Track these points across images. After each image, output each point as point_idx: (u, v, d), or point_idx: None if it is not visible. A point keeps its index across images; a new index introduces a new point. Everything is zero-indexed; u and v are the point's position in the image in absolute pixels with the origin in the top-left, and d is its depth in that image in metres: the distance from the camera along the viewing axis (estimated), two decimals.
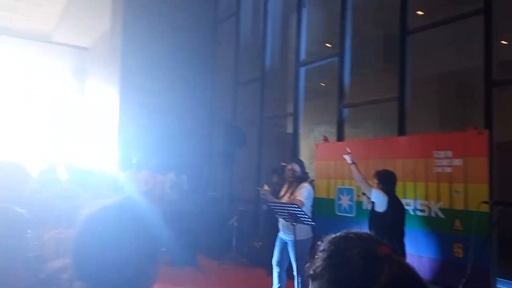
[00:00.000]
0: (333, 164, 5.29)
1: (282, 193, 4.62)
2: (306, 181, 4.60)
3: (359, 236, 0.82)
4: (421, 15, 6.34)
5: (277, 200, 4.36)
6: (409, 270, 0.79)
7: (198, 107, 8.64)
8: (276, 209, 4.14)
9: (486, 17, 4.48)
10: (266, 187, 4.44)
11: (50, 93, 9.64)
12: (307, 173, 5.19)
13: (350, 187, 5.04)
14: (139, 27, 8.28)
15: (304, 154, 8.16)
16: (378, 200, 3.88)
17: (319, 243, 0.85)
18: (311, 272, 0.81)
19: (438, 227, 4.00)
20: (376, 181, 3.88)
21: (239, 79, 8.53)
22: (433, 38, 6.73)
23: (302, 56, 7.00)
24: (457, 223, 3.85)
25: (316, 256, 0.83)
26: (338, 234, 0.84)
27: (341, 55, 6.16)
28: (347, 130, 6.62)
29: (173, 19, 8.59)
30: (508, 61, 5.64)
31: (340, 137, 5.98)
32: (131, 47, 8.19)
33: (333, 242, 0.82)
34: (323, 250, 0.82)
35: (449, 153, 4.04)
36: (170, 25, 8.53)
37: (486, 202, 3.22)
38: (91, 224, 1.07)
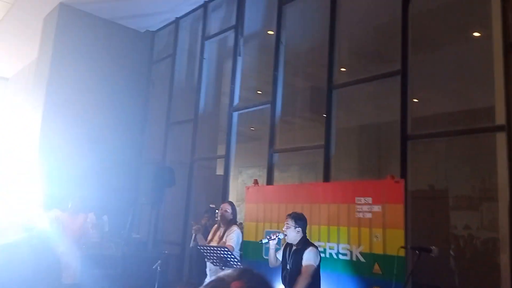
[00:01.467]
0: (262, 207, 5.37)
1: (210, 236, 4.58)
2: (235, 224, 4.62)
3: (219, 278, 0.92)
4: (344, 71, 6.89)
5: (206, 244, 4.32)
6: None
7: (127, 144, 8.38)
8: (205, 252, 4.09)
9: (402, 78, 5.00)
10: (196, 226, 4.39)
11: None
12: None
13: (278, 230, 5.14)
14: (69, 59, 8.00)
15: (232, 196, 8.19)
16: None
17: None
18: None
19: (359, 270, 4.17)
20: (292, 222, 3.91)
21: (171, 119, 8.50)
22: (356, 93, 7.31)
23: (236, 101, 7.21)
24: (376, 266, 4.05)
25: None
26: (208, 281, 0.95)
27: (273, 103, 6.45)
28: (275, 174, 6.82)
29: (106, 55, 8.44)
30: (419, 118, 6.26)
31: (269, 181, 6.14)
32: (58, 80, 7.85)
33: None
34: None
35: (369, 200, 4.30)
36: (103, 60, 8.36)
37: (403, 247, 3.45)
38: None
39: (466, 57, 6.58)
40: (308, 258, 3.73)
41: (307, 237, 4.09)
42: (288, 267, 3.84)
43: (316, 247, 3.95)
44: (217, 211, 4.64)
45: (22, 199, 5.95)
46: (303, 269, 3.65)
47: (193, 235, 4.37)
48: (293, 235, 3.86)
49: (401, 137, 4.88)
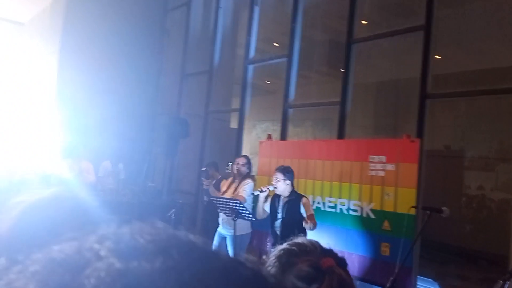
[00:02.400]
0: (275, 162, 5.40)
1: (224, 188, 4.66)
2: (249, 177, 4.68)
3: (303, 249, 0.84)
4: (365, 25, 6.65)
5: (220, 195, 4.41)
6: (346, 284, 0.81)
7: (143, 93, 8.38)
8: (218, 204, 4.18)
9: (426, 33, 4.79)
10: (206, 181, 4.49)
11: None
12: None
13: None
14: (83, 5, 7.86)
15: (245, 150, 8.25)
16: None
17: (264, 257, 0.86)
18: None
19: (368, 226, 4.24)
20: (281, 176, 3.98)
21: (186, 70, 8.42)
22: (376, 48, 7.10)
23: (251, 53, 7.07)
24: (386, 223, 4.11)
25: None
26: (282, 247, 0.85)
27: (289, 56, 6.29)
28: (289, 129, 6.80)
29: (121, 1, 8.26)
30: (440, 75, 6.10)
31: (283, 136, 6.12)
32: (73, 25, 7.75)
33: (278, 258, 0.83)
34: (269, 267, 0.82)
35: (383, 158, 4.29)
36: (118, 6, 8.19)
37: (414, 207, 3.47)
38: (27, 216, 1.05)
39: (494, 14, 6.27)
40: (310, 207, 3.96)
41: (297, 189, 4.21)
42: (279, 216, 3.97)
43: (307, 198, 4.11)
44: (230, 164, 4.68)
45: (40, 147, 6.06)
46: (308, 218, 3.81)
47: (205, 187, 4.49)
48: (282, 187, 3.98)
49: (420, 95, 4.75)
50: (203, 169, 5.03)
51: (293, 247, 0.84)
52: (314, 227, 3.71)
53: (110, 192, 6.23)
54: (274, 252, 0.85)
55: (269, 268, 0.81)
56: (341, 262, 0.85)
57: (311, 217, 3.82)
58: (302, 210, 3.91)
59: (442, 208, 3.10)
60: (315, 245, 0.86)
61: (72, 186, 4.73)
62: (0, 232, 1.04)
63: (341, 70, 5.67)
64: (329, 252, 0.86)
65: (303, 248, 0.84)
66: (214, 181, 4.90)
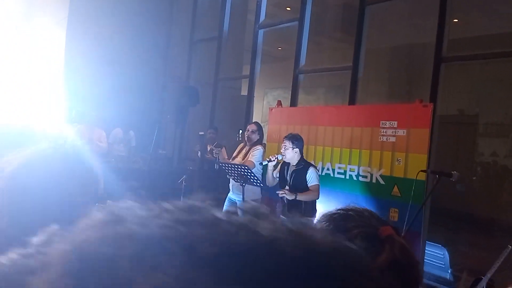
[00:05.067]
0: (285, 129, 5.36)
1: (235, 153, 4.68)
2: (260, 143, 4.66)
3: (360, 214, 0.78)
4: None
5: (228, 161, 4.42)
6: (408, 253, 0.76)
7: (152, 61, 8.31)
8: (227, 169, 4.19)
9: None
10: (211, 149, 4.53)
11: None
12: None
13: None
14: None
15: (257, 117, 8.20)
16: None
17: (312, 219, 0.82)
18: None
19: (378, 192, 4.22)
20: (290, 144, 3.94)
21: (195, 36, 8.29)
22: (391, 11, 6.86)
23: (262, 18, 6.91)
24: (395, 189, 4.08)
25: None
26: (335, 210, 0.79)
27: (301, 20, 6.14)
28: (301, 96, 6.70)
29: None
30: (457, 40, 5.89)
31: (293, 103, 6.06)
32: None
33: (332, 220, 0.77)
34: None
35: (395, 124, 4.21)
36: None
37: (424, 171, 3.42)
38: (25, 168, 1.00)
39: None
40: (314, 179, 3.89)
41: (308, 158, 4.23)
42: (288, 184, 3.95)
43: (315, 166, 4.08)
44: (241, 131, 4.66)
45: (48, 113, 6.12)
46: (312, 188, 3.85)
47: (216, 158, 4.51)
48: (291, 155, 3.94)
49: (435, 59, 4.62)
50: (201, 133, 5.02)
51: (350, 212, 0.78)
52: (294, 196, 3.72)
53: (121, 159, 6.30)
54: (323, 214, 0.79)
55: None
56: (398, 231, 0.79)
57: (310, 189, 3.83)
58: (309, 179, 3.88)
59: (452, 172, 3.04)
60: (372, 213, 0.80)
61: (82, 151, 4.78)
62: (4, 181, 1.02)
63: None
64: (386, 222, 0.80)
65: (360, 214, 0.78)
66: (215, 144, 4.92)
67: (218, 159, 4.62)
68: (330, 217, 0.78)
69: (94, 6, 7.68)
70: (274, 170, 4.14)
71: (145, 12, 8.26)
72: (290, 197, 3.76)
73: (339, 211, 0.79)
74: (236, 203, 4.48)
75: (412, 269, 0.76)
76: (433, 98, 4.44)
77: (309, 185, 3.87)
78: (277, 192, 3.86)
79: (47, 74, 7.50)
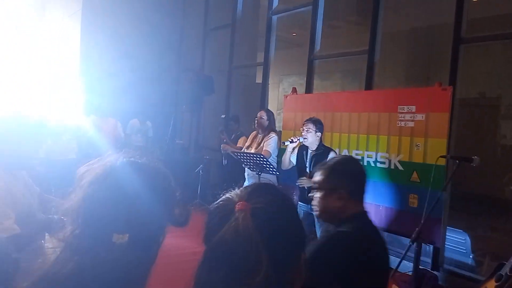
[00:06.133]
0: (300, 115, 5.31)
1: (248, 142, 4.65)
2: (274, 131, 4.63)
3: (227, 198, 0.89)
4: None
5: (243, 151, 4.41)
6: (245, 231, 0.81)
7: (166, 52, 8.33)
8: (242, 158, 4.18)
9: None
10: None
11: (5, 29, 9.01)
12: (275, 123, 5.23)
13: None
14: None
15: (273, 105, 8.16)
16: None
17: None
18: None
19: (397, 178, 4.15)
20: (313, 127, 3.89)
21: (208, 25, 8.25)
22: None
23: (275, 3, 6.81)
24: (415, 175, 4.01)
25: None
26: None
27: (314, 4, 6.03)
28: (317, 82, 6.61)
29: None
30: (476, 19, 5.69)
31: (308, 89, 5.99)
32: None
33: (215, 209, 0.90)
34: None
35: (413, 108, 4.12)
36: None
37: (443, 156, 3.34)
38: (99, 183, 1.00)
39: None
40: None
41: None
42: (307, 170, 3.89)
43: (335, 151, 4.02)
44: (255, 119, 4.62)
45: (66, 106, 6.20)
46: None
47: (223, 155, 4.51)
48: (313, 139, 3.90)
49: (454, 40, 4.47)
50: (223, 116, 5.00)
51: (221, 200, 0.90)
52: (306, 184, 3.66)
53: (139, 149, 6.35)
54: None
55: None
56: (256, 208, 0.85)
57: None
58: None
59: (472, 157, 2.97)
60: (242, 192, 0.89)
61: (100, 143, 4.85)
62: (72, 201, 1.00)
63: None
64: (255, 193, 0.88)
65: (227, 198, 0.89)
66: (232, 136, 4.89)
67: (225, 150, 4.60)
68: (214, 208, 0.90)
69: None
70: (291, 153, 4.09)
71: (158, 3, 8.25)
72: (309, 184, 3.71)
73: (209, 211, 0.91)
74: None
75: (241, 245, 0.81)
76: (452, 81, 4.32)
77: None
78: (297, 182, 3.81)
79: (63, 67, 7.59)
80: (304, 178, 3.78)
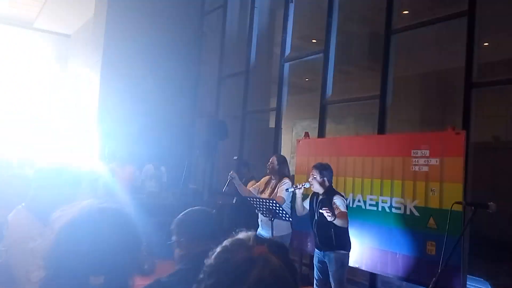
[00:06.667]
0: (313, 160, 5.31)
1: (262, 187, 4.63)
2: (287, 176, 4.61)
3: (235, 243, 0.88)
4: (406, 14, 6.40)
5: (257, 196, 4.39)
6: (277, 272, 0.83)
7: (181, 98, 8.56)
8: (255, 204, 4.15)
9: (469, 19, 4.54)
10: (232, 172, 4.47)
11: (30, 80, 9.44)
12: (289, 168, 5.21)
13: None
14: (123, 15, 8.15)
15: (286, 149, 8.20)
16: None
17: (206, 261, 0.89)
18: None
19: (413, 224, 4.06)
20: (317, 173, 3.88)
21: (223, 72, 8.48)
22: (418, 38, 6.80)
23: (287, 51, 7.00)
24: (431, 221, 3.91)
25: (202, 276, 0.87)
26: (215, 253, 0.90)
27: (326, 51, 6.18)
28: (330, 126, 6.65)
29: (159, 9, 8.48)
30: (489, 63, 5.74)
31: (321, 133, 6.02)
32: (114, 35, 8.07)
33: (216, 257, 0.88)
34: (208, 268, 0.87)
35: (427, 152, 4.09)
36: (156, 14, 8.42)
37: (459, 203, 3.27)
38: (70, 229, 1.08)
39: None
40: (342, 204, 3.77)
41: (334, 187, 4.13)
42: (316, 216, 3.87)
43: (342, 195, 3.95)
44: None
45: (84, 153, 6.34)
46: (341, 214, 3.69)
47: (227, 181, 4.45)
48: (318, 185, 3.88)
49: (465, 84, 4.50)
50: (235, 158, 5.00)
51: (226, 244, 0.89)
52: (333, 218, 3.58)
53: (153, 195, 6.39)
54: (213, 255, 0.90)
55: (208, 270, 0.86)
56: (277, 250, 0.87)
57: (339, 215, 3.67)
58: (339, 207, 3.77)
59: (488, 203, 2.89)
60: (249, 236, 0.89)
61: (116, 189, 4.89)
62: (45, 245, 1.08)
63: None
64: (265, 241, 0.88)
65: (236, 242, 0.88)
66: (243, 180, 4.87)
67: (228, 187, 4.56)
68: (214, 257, 0.88)
69: (127, 49, 8.05)
70: (303, 200, 4.07)
71: (176, 52, 8.58)
72: (330, 218, 3.61)
73: (217, 252, 0.89)
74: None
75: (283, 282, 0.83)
76: (466, 125, 4.30)
77: (337, 211, 3.75)
78: (321, 210, 3.71)
79: (82, 114, 7.84)
80: (329, 211, 3.67)
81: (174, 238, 1.90)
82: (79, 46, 9.48)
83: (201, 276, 0.87)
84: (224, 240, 0.90)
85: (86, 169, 5.67)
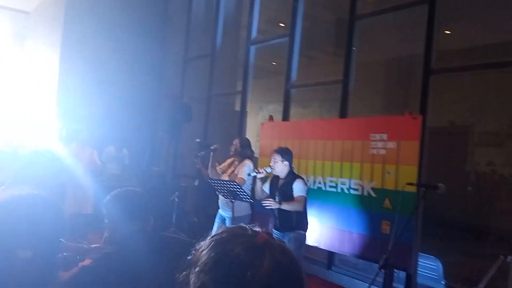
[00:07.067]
0: (276, 143, 5.36)
1: (223, 166, 4.66)
2: (249, 158, 4.65)
3: (233, 233, 0.83)
4: (371, 0, 6.48)
5: (217, 178, 4.40)
6: (287, 252, 0.81)
7: (146, 79, 8.39)
8: (216, 186, 4.17)
9: (430, 7, 4.64)
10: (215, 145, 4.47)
11: None
12: (252, 151, 5.24)
13: None
14: None
15: (252, 132, 8.22)
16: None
17: (193, 252, 0.84)
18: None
19: (369, 205, 4.20)
20: (279, 157, 3.95)
21: (189, 54, 8.37)
22: (382, 24, 6.91)
23: (253, 34, 6.97)
24: (387, 201, 4.06)
25: (197, 270, 0.80)
26: (212, 239, 0.83)
27: (291, 35, 6.19)
28: (296, 110, 6.71)
29: None
30: (449, 51, 5.92)
31: (285, 117, 6.07)
32: (75, 13, 7.77)
33: (212, 248, 0.81)
34: (204, 262, 0.80)
35: (385, 136, 4.22)
36: None
37: (411, 184, 3.40)
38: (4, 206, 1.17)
39: None
40: (300, 189, 3.86)
41: (296, 171, 4.17)
42: (277, 199, 3.94)
43: (303, 179, 4.03)
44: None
45: (43, 133, 6.14)
46: (297, 199, 3.83)
47: (208, 148, 4.47)
48: (280, 168, 3.95)
49: (424, 71, 4.63)
50: (198, 140, 4.98)
51: (223, 235, 0.83)
52: (277, 205, 3.72)
53: (115, 177, 6.29)
54: (203, 247, 0.83)
55: (205, 263, 0.80)
56: (272, 236, 0.84)
57: (298, 199, 3.80)
58: (295, 189, 3.87)
59: (438, 184, 3.03)
60: (242, 227, 0.85)
61: (77, 171, 4.79)
62: None
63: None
64: (258, 231, 0.84)
65: (233, 232, 0.83)
66: (206, 162, 4.88)
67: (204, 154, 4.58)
68: (209, 246, 0.82)
69: (89, 28, 7.78)
70: (264, 183, 4.13)
71: (140, 32, 8.37)
72: (274, 206, 3.74)
73: (214, 238, 0.83)
74: (225, 219, 4.45)
75: (293, 266, 0.80)
76: (422, 110, 4.44)
77: (294, 195, 3.86)
78: (262, 203, 3.82)
79: (40, 94, 7.56)
80: (271, 200, 3.78)
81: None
82: (38, 23, 9.09)
83: (195, 271, 0.80)
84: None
85: (43, 149, 5.50)
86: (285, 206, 3.77)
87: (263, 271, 0.75)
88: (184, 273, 0.83)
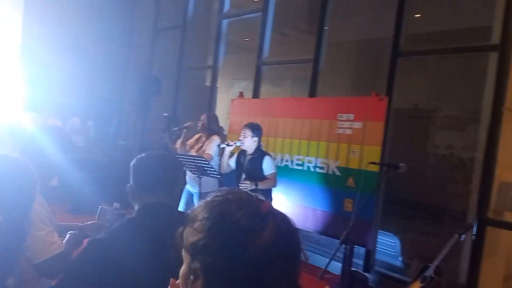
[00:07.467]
0: (246, 120, 5.36)
1: (191, 142, 4.64)
2: (217, 134, 4.64)
3: (238, 197, 0.81)
4: None
5: (186, 154, 4.39)
6: (289, 222, 0.83)
7: (114, 49, 8.10)
8: (184, 161, 4.15)
9: None
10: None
11: None
12: (221, 127, 5.23)
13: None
14: None
15: (223, 108, 8.17)
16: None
17: (192, 210, 0.82)
18: (190, 247, 0.77)
19: (334, 183, 4.30)
20: (249, 132, 3.99)
21: (159, 25, 8.14)
22: (355, 4, 6.92)
23: (226, 7, 6.84)
24: (351, 180, 4.16)
25: (194, 227, 0.78)
26: (215, 198, 0.82)
27: (264, 10, 6.12)
28: (267, 88, 6.69)
29: None
30: (420, 34, 6.00)
31: (256, 94, 6.06)
32: None
33: (214, 207, 0.79)
34: (204, 219, 0.78)
35: (351, 116, 4.30)
36: None
37: (373, 163, 3.50)
38: None
39: None
40: (271, 167, 3.96)
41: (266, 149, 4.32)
42: (244, 174, 4.02)
43: (271, 155, 4.12)
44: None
45: (5, 101, 5.88)
46: (270, 176, 3.93)
47: (182, 127, 4.48)
48: (249, 143, 4.00)
49: (392, 53, 4.70)
50: (165, 114, 4.95)
51: (229, 196, 0.81)
52: (254, 186, 3.79)
53: (79, 149, 6.14)
54: (202, 204, 0.82)
55: (202, 220, 0.78)
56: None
57: (270, 176, 3.89)
58: (265, 168, 3.93)
59: (399, 164, 3.13)
60: (249, 194, 0.84)
61: (42, 142, 4.64)
62: None
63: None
64: (264, 200, 0.85)
65: (239, 196, 0.82)
66: (173, 137, 4.87)
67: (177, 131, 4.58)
68: (211, 205, 0.80)
69: None
70: (230, 157, 4.16)
71: (106, 1, 8.03)
72: (251, 187, 3.78)
73: (217, 197, 0.82)
74: (193, 195, 4.46)
75: (294, 235, 0.82)
76: (388, 92, 4.53)
77: (266, 173, 3.92)
78: (239, 185, 3.86)
79: (2, 60, 7.19)
80: (247, 181, 3.83)
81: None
82: None
83: (192, 227, 0.78)
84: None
85: (7, 120, 5.30)
86: (261, 186, 3.82)
87: (264, 238, 0.75)
88: (180, 229, 0.82)
